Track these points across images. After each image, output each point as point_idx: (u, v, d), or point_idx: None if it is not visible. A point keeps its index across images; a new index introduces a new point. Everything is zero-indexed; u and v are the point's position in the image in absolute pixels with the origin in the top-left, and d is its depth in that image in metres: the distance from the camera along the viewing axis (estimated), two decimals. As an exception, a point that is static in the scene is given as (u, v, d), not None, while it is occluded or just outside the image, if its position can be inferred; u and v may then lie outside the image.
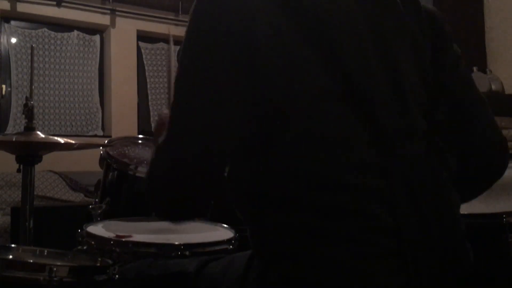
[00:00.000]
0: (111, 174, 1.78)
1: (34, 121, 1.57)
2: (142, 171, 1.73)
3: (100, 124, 4.94)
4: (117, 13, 4.92)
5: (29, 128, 1.56)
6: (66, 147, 1.68)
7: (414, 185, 0.73)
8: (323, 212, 0.69)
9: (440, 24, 0.89)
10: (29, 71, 1.70)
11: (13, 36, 4.58)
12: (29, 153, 1.55)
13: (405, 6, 0.83)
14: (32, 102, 1.57)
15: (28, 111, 1.56)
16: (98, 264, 1.06)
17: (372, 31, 0.76)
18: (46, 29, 4.73)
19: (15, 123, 4.46)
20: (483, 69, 3.50)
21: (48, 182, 3.92)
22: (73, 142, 1.57)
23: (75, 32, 4.86)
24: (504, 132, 3.31)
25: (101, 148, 1.80)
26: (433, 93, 0.83)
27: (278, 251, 0.73)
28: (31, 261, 1.01)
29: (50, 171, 3.97)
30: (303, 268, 0.70)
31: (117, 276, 0.96)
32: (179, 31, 5.31)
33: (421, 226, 0.71)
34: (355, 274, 0.68)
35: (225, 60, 0.70)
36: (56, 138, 1.56)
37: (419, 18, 0.85)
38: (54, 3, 4.61)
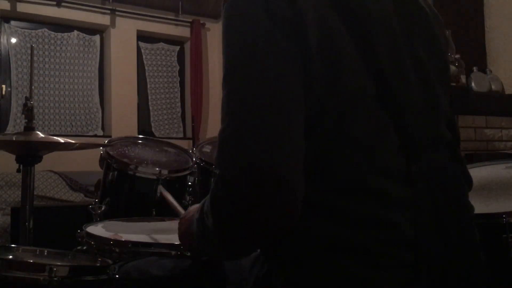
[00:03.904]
0: (111, 174, 1.78)
1: (34, 121, 1.57)
2: (142, 171, 1.74)
3: (100, 124, 4.94)
4: (117, 13, 4.93)
5: (29, 128, 1.56)
6: (66, 147, 1.68)
7: (437, 195, 0.72)
8: (341, 219, 0.68)
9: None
10: (29, 71, 1.70)
11: (13, 36, 4.59)
12: (29, 153, 1.55)
13: (434, 20, 0.85)
14: (32, 102, 1.57)
15: (28, 111, 1.57)
16: (98, 264, 1.06)
17: (406, 39, 0.76)
18: (46, 29, 4.74)
19: (15, 123, 4.47)
20: (483, 69, 3.49)
21: (48, 182, 3.92)
22: (73, 142, 1.57)
23: (75, 32, 4.87)
24: (504, 132, 3.31)
25: (101, 148, 1.80)
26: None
27: (286, 255, 0.72)
28: (31, 261, 1.01)
29: (50, 171, 3.97)
30: (309, 275, 0.69)
31: (117, 276, 0.96)
32: (179, 31, 5.32)
33: (441, 237, 0.71)
34: (363, 283, 0.67)
35: (278, 41, 0.67)
36: (56, 138, 1.56)
37: (444, 34, 0.87)
38: (54, 3, 4.62)
